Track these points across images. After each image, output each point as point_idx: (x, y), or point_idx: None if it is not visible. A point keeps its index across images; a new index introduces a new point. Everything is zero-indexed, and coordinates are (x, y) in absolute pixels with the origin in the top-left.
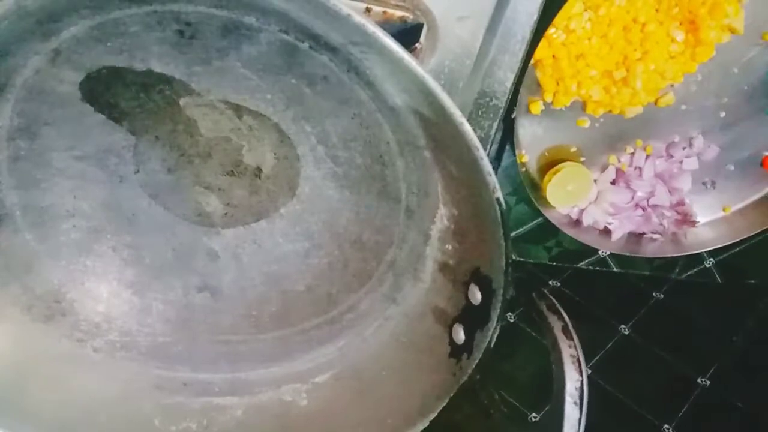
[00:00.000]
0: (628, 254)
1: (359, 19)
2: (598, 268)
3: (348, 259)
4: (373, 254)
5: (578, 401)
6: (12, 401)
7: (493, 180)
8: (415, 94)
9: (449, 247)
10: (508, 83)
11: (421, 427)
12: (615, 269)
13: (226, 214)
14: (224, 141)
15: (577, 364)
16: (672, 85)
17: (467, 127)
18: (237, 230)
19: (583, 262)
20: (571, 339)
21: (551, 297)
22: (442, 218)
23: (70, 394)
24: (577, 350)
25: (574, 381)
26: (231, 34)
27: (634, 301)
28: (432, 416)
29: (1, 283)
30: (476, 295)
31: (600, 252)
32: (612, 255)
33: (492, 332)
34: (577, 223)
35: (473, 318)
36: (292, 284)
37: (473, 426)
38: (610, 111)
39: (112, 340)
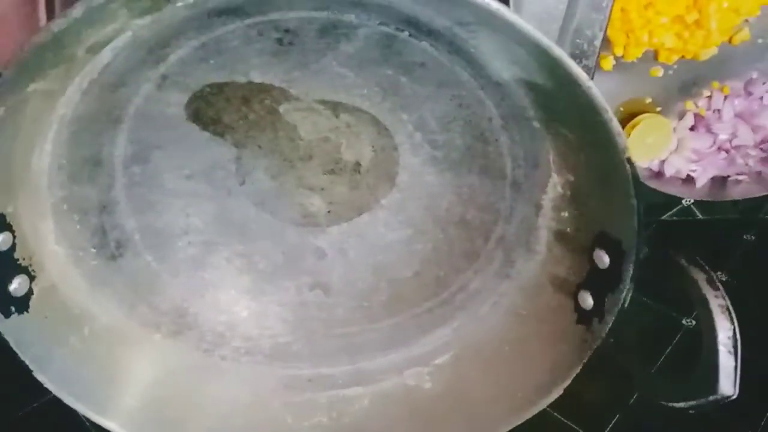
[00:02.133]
0: (712, 200)
1: None
2: (683, 218)
3: (453, 240)
4: (479, 233)
5: (732, 350)
6: (155, 418)
7: (623, 140)
8: (529, 65)
9: (565, 214)
10: (597, 42)
11: (555, 396)
12: (700, 217)
13: (329, 212)
14: (323, 141)
15: (727, 313)
16: (747, 20)
17: (595, 91)
18: (341, 226)
19: (666, 215)
20: (718, 289)
21: (689, 250)
22: (555, 186)
23: (206, 404)
24: (725, 300)
25: (726, 330)
26: (329, 34)
27: (725, 246)
28: (565, 384)
29: (129, 306)
30: (603, 259)
31: (683, 201)
32: (696, 203)
33: (625, 294)
34: (658, 174)
35: (602, 282)
36: (400, 272)
37: (613, 390)
38: (683, 56)
39: (237, 346)
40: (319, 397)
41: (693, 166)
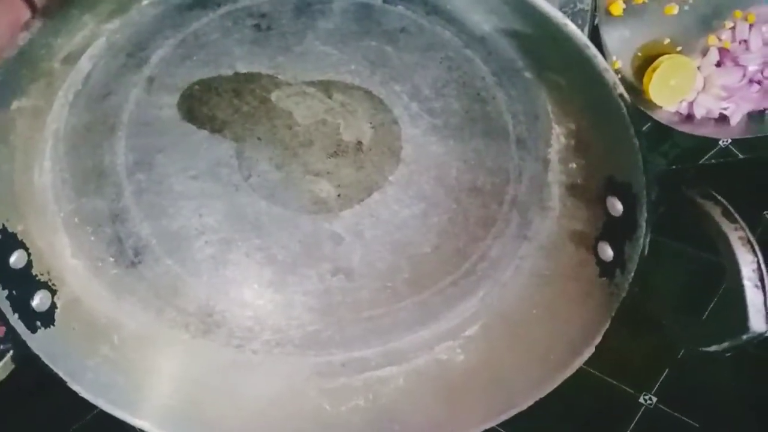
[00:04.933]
0: (752, 136)
1: None
2: (722, 159)
3: (467, 209)
4: (492, 197)
5: (759, 283)
6: (192, 417)
7: (611, 76)
8: (506, 13)
9: (573, 165)
10: None
11: (588, 354)
12: (740, 156)
13: (339, 195)
14: (321, 124)
15: (748, 245)
16: None
17: (572, 27)
18: (353, 209)
19: (704, 158)
20: (735, 221)
21: (701, 184)
22: (558, 138)
23: (242, 398)
24: (745, 231)
25: (749, 264)
26: (304, 13)
27: None
28: (596, 341)
29: (156, 311)
30: (616, 206)
31: (720, 142)
32: (734, 142)
33: (643, 239)
34: (689, 117)
35: (618, 230)
36: (418, 248)
37: (660, 345)
38: None
39: (267, 339)
40: (354, 381)
41: (724, 104)
